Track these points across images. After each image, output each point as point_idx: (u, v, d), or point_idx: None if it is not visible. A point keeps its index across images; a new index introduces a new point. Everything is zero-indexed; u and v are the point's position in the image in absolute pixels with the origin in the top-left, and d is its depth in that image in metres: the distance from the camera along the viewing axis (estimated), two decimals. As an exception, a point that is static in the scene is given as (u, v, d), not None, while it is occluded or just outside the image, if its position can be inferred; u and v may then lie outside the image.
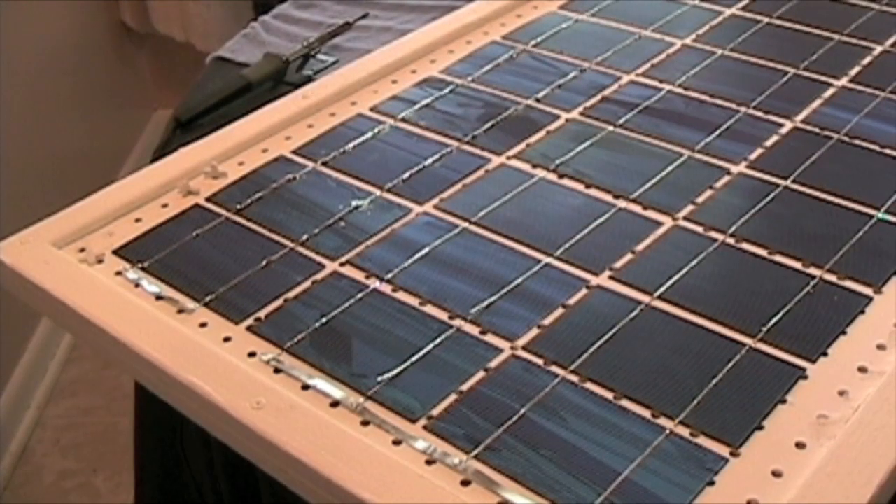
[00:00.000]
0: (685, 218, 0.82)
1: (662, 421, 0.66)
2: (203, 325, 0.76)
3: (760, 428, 0.65)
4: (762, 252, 0.78)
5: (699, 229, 0.81)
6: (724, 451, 0.64)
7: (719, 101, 0.96)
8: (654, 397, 0.67)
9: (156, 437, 1.15)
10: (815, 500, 0.60)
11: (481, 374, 0.70)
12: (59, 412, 1.97)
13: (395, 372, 0.70)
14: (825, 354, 0.70)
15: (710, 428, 0.65)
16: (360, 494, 0.62)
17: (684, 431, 0.65)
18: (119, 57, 2.53)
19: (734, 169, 0.87)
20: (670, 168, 0.88)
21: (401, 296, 0.77)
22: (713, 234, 0.80)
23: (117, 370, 1.96)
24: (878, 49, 1.03)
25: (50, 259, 0.83)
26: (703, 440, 0.64)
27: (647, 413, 0.66)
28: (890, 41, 1.04)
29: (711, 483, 0.62)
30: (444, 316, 0.74)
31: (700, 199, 0.84)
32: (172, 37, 2.49)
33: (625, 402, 0.67)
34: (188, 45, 2.44)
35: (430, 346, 0.72)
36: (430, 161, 0.91)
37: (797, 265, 0.77)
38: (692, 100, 0.97)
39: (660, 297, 0.75)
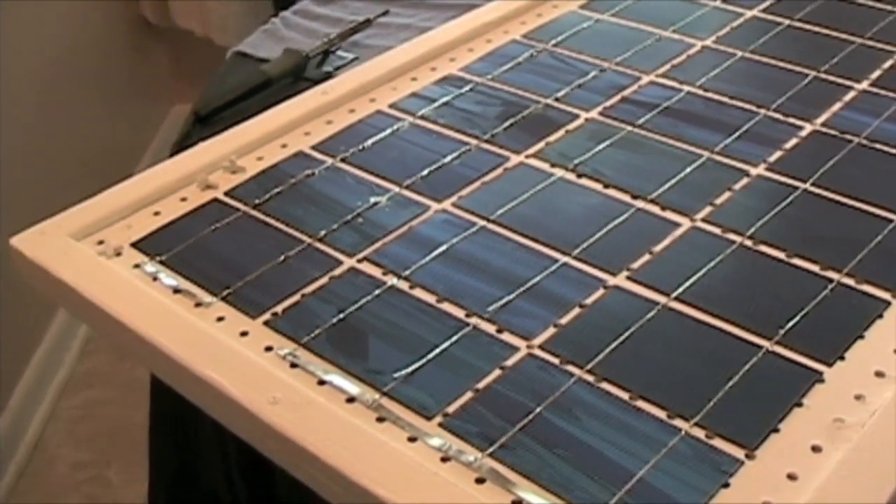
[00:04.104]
0: (703, 219, 0.82)
1: (678, 422, 0.65)
2: (220, 319, 0.76)
3: (776, 430, 0.65)
4: (780, 255, 0.78)
5: (717, 231, 0.81)
6: (739, 453, 0.63)
7: (739, 103, 0.96)
8: (669, 398, 0.67)
9: (170, 430, 1.15)
10: (830, 503, 0.60)
11: (497, 372, 0.70)
12: (74, 404, 1.98)
13: (411, 369, 0.70)
14: (842, 358, 0.69)
15: (725, 430, 0.65)
16: (375, 491, 0.62)
17: (699, 433, 0.65)
18: (138, 51, 2.54)
19: (753, 171, 0.87)
20: (689, 169, 0.88)
21: (418, 293, 0.77)
22: (731, 236, 0.80)
23: (132, 363, 1.97)
24: (900, 53, 1.03)
25: (68, 251, 0.83)
26: (718, 442, 0.64)
27: (662, 414, 0.66)
28: (911, 45, 1.04)
29: (726, 485, 0.62)
30: (460, 314, 0.74)
31: (718, 201, 0.84)
32: (191, 31, 2.49)
33: (640, 403, 0.67)
34: (207, 39, 2.45)
35: (447, 343, 0.72)
36: (448, 159, 0.91)
37: (815, 268, 0.77)
38: (712, 101, 0.97)
39: (677, 298, 0.75)
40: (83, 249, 0.84)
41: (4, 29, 1.89)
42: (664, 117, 0.95)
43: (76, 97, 2.19)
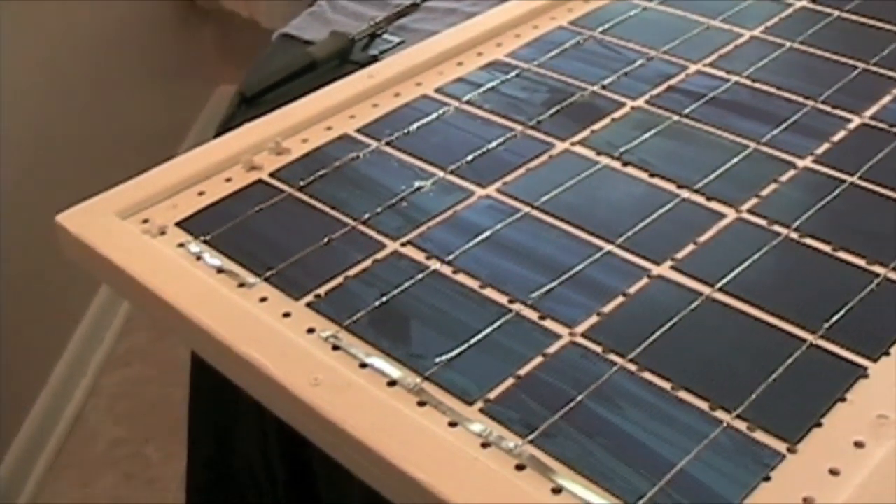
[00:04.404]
0: (749, 211, 0.81)
1: (719, 414, 0.65)
2: (263, 299, 0.76)
3: (819, 425, 0.64)
4: (826, 248, 0.77)
5: (763, 223, 0.80)
6: (780, 446, 0.63)
7: (786, 94, 0.95)
8: (711, 390, 0.67)
9: (209, 409, 1.16)
10: (872, 500, 0.59)
11: (539, 359, 0.69)
12: (114, 381, 1.99)
13: (453, 354, 0.70)
14: (887, 354, 0.69)
15: (767, 423, 0.64)
16: (415, 474, 0.62)
17: (741, 425, 0.64)
18: (184, 32, 2.54)
19: (800, 163, 0.86)
20: (735, 160, 0.87)
21: (461, 278, 0.77)
22: (777, 228, 0.79)
23: (172, 342, 1.98)
24: (951, 47, 1.01)
25: (113, 229, 0.84)
26: (759, 435, 0.64)
27: (704, 405, 0.66)
28: (963, 39, 1.02)
29: (767, 479, 0.61)
30: (503, 300, 0.74)
31: (764, 193, 0.83)
32: (237, 13, 2.50)
33: (682, 394, 0.67)
34: (252, 21, 2.45)
35: (489, 329, 0.72)
36: (493, 144, 0.91)
37: (861, 262, 0.76)
38: (759, 92, 0.96)
39: (721, 290, 0.74)
40: (128, 228, 0.84)
41: (53, 9, 1.90)
42: (711, 107, 0.94)
43: (123, 77, 2.20)
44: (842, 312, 0.72)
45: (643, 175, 0.86)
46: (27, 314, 1.82)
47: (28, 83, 1.83)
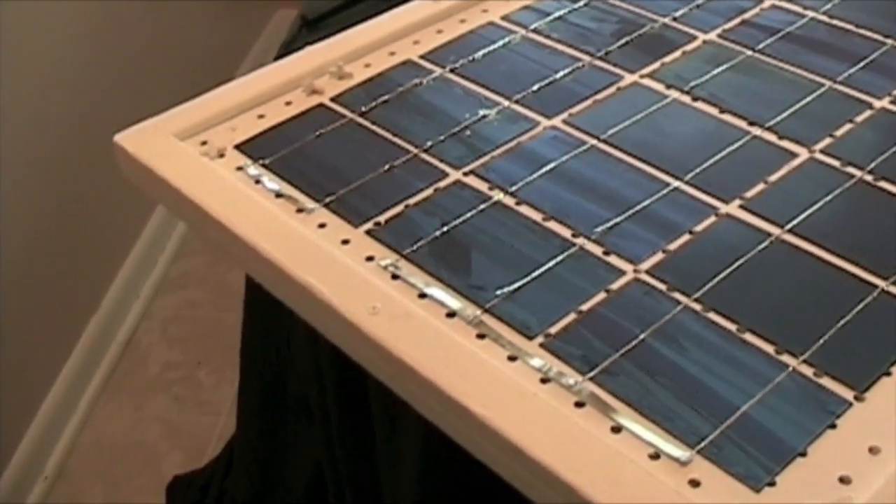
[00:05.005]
0: (822, 151, 0.80)
1: (786, 358, 0.64)
2: (322, 225, 0.76)
3: (888, 374, 0.63)
4: (901, 191, 0.76)
5: (836, 164, 0.78)
6: (847, 394, 0.62)
7: (865, 32, 0.93)
8: (778, 333, 0.65)
9: (262, 335, 1.16)
10: (943, 451, 0.58)
11: (602, 295, 0.68)
12: (167, 304, 2.00)
13: (514, 286, 0.69)
14: (962, 302, 0.67)
15: (834, 369, 0.63)
16: (472, 408, 0.61)
17: (808, 371, 0.63)
18: (244, -47, 2.53)
19: (877, 104, 0.84)
20: (809, 98, 0.85)
21: (524, 210, 0.76)
22: (850, 170, 0.78)
23: (226, 266, 1.99)
24: None
25: (171, 150, 0.84)
26: (826, 381, 0.63)
27: (770, 348, 0.65)
28: None
29: (833, 426, 0.60)
30: (567, 233, 0.73)
31: (839, 133, 0.81)
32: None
33: (748, 336, 0.65)
34: (314, -56, 2.43)
35: (552, 262, 0.71)
36: (560, 75, 0.89)
37: (938, 207, 0.74)
38: (836, 29, 0.93)
39: (790, 231, 0.73)
40: (186, 149, 0.84)
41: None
42: (786, 43, 0.92)
43: (181, -3, 2.19)
44: (916, 258, 0.70)
45: (713, 111, 0.84)
46: (81, 236, 1.83)
47: (86, 2, 1.82)
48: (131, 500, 1.67)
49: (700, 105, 0.85)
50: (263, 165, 0.82)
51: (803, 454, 0.59)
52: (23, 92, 1.63)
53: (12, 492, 1.62)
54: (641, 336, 0.66)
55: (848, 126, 0.82)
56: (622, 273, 0.70)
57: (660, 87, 0.87)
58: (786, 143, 0.81)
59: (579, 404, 0.62)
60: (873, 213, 0.74)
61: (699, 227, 0.73)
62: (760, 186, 0.77)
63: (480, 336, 0.66)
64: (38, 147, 1.68)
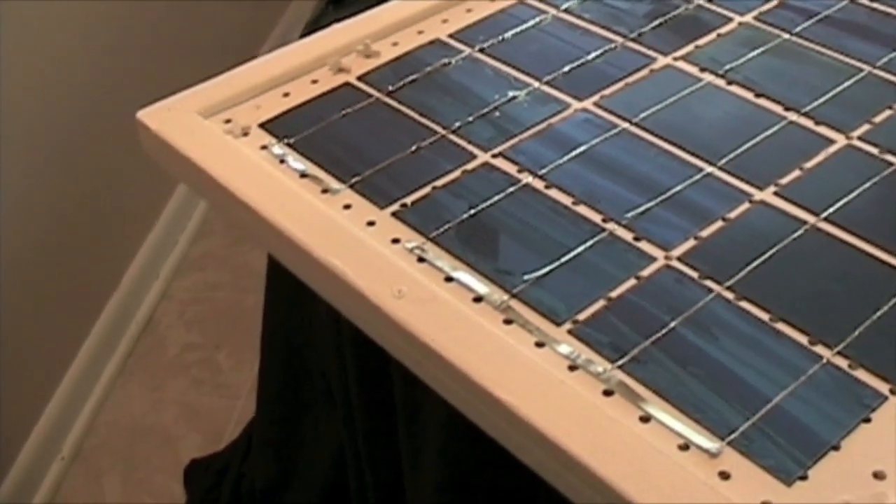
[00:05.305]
0: (860, 138, 0.79)
1: (819, 349, 0.64)
2: (347, 206, 0.75)
3: (925, 367, 0.62)
4: (941, 180, 0.75)
5: (874, 151, 0.78)
6: (883, 387, 0.61)
7: (906, 16, 0.92)
8: (812, 323, 0.65)
9: (284, 318, 1.16)
10: (980, 446, 0.58)
11: (632, 281, 0.68)
12: (186, 285, 2.00)
13: (542, 271, 0.69)
14: None
15: (870, 362, 0.63)
16: (498, 394, 0.61)
17: (842, 362, 0.63)
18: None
19: (917, 90, 0.84)
20: (847, 83, 0.84)
21: (553, 193, 0.75)
22: (888, 157, 0.77)
23: (247, 247, 1.99)
24: None
25: (195, 128, 0.84)
26: (861, 374, 0.62)
27: (803, 339, 0.64)
28: None
29: (867, 420, 0.60)
30: (597, 218, 0.73)
31: (877, 119, 0.81)
32: None
33: (781, 326, 0.65)
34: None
35: (581, 247, 0.71)
36: (592, 56, 0.89)
37: (979, 197, 0.74)
38: (876, 12, 0.93)
39: (826, 219, 0.72)
40: (210, 127, 0.84)
41: None
42: (824, 26, 0.91)
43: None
44: (955, 249, 0.70)
45: (748, 95, 0.84)
46: (102, 214, 1.84)
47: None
48: (148, 482, 1.68)
49: (735, 89, 0.85)
50: (288, 144, 0.82)
51: (836, 448, 0.58)
52: (45, 69, 1.63)
53: (29, 471, 1.63)
54: (672, 324, 0.65)
55: (887, 112, 0.81)
56: (653, 259, 0.70)
57: (693, 69, 0.87)
58: (822, 129, 0.80)
59: (608, 393, 0.62)
60: (912, 202, 0.74)
61: (732, 214, 0.73)
62: (796, 173, 0.76)
63: (507, 321, 0.66)
64: (60, 124, 1.69)
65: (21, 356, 1.62)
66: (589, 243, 0.71)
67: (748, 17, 0.93)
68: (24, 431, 1.65)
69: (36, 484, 1.65)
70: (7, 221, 1.56)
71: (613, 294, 0.67)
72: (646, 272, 0.69)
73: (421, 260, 0.71)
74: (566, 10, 0.95)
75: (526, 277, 0.69)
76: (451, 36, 0.93)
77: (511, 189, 0.76)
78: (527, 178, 0.77)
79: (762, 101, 0.83)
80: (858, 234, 0.71)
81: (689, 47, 0.89)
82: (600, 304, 0.67)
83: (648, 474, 0.57)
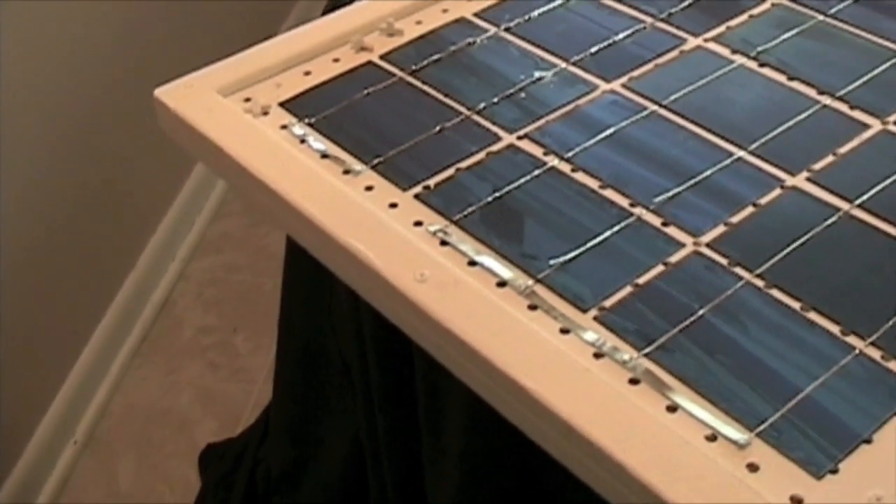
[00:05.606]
0: (896, 123, 0.79)
1: (852, 339, 0.63)
2: (369, 188, 0.75)
3: (961, 359, 0.62)
4: (979, 167, 0.75)
5: (911, 136, 0.77)
6: (917, 379, 0.61)
7: (945, -2, 0.91)
8: (844, 313, 0.65)
9: (302, 301, 1.16)
10: None
11: (660, 268, 0.68)
12: (204, 267, 2.01)
13: (568, 256, 0.69)
14: None
15: (904, 353, 0.62)
16: (521, 381, 0.61)
17: (875, 353, 0.63)
18: None
19: (956, 74, 0.83)
20: (884, 66, 0.84)
21: (580, 177, 0.75)
22: (926, 144, 0.77)
23: (265, 229, 1.99)
24: None
25: (214, 106, 0.84)
26: (895, 365, 0.62)
27: (835, 329, 0.64)
28: None
29: (901, 412, 0.60)
30: (624, 202, 0.73)
31: (915, 104, 0.80)
32: None
33: (812, 315, 0.65)
34: None
35: (608, 232, 0.71)
36: (621, 36, 0.89)
37: None
38: (914, -6, 0.92)
39: (860, 206, 0.72)
40: (229, 106, 0.84)
41: None
42: (860, 7, 0.90)
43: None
44: None
45: (781, 78, 0.83)
46: (119, 193, 1.84)
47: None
48: (162, 467, 1.69)
49: (767, 71, 0.84)
50: (309, 124, 0.82)
51: (868, 441, 0.58)
52: (61, 45, 1.64)
53: (41, 456, 1.64)
54: (700, 312, 0.65)
55: (925, 97, 0.81)
56: (681, 245, 0.70)
57: (725, 51, 0.87)
58: (857, 114, 0.80)
59: (634, 381, 0.62)
60: (949, 189, 0.73)
61: (763, 200, 0.73)
62: (829, 158, 0.76)
63: (532, 307, 0.66)
64: (76, 102, 1.69)
65: (35, 338, 1.63)
66: (616, 228, 0.71)
67: (782, -2, 0.93)
68: (37, 415, 1.65)
69: (48, 468, 1.66)
70: (22, 201, 1.56)
71: (641, 280, 0.67)
72: (674, 258, 0.69)
73: (444, 243, 0.71)
74: (594, -11, 0.94)
75: (551, 262, 0.69)
76: (476, 15, 0.92)
77: (537, 172, 0.76)
78: (553, 161, 0.76)
79: (795, 84, 0.83)
80: (893, 222, 0.71)
81: (721, 28, 0.89)
82: (627, 290, 0.67)
83: (675, 465, 0.57)
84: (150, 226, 1.96)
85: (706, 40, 0.88)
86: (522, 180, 0.75)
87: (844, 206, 0.72)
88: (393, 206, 0.74)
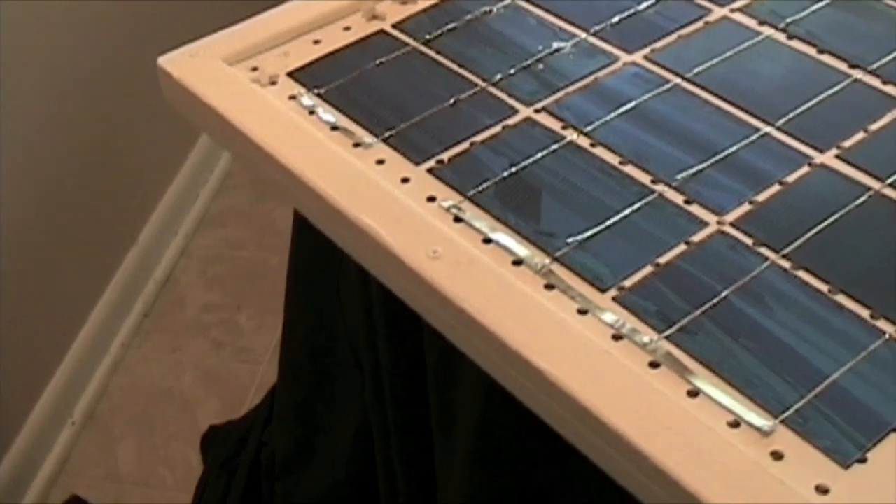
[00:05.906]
0: (930, 98, 0.78)
1: (881, 324, 0.63)
2: (380, 162, 0.75)
3: None
4: None
5: (945, 112, 0.77)
6: (949, 366, 0.61)
7: (982, -32, 0.91)
8: (874, 296, 0.64)
9: (309, 279, 1.16)
10: None
11: (682, 247, 0.68)
12: (207, 242, 2.01)
13: (586, 234, 0.69)
14: None
15: (935, 338, 0.62)
16: (537, 363, 0.61)
17: (906, 338, 0.62)
18: None
19: None
20: (918, 40, 0.83)
21: (599, 152, 0.75)
22: (960, 120, 0.76)
23: (271, 204, 1.99)
24: None
25: (220, 76, 0.84)
26: (926, 351, 0.62)
27: (864, 313, 0.64)
28: None
29: (932, 400, 0.59)
30: (645, 179, 0.72)
31: (950, 79, 0.80)
32: None
33: (840, 298, 0.65)
34: None
35: (628, 210, 0.70)
36: (643, 6, 0.88)
37: None
38: (950, -36, 0.92)
39: (892, 185, 0.71)
40: (236, 75, 0.84)
41: None
42: (893, -22, 0.90)
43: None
44: None
45: (810, 50, 0.83)
46: (120, 165, 1.84)
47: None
48: (164, 448, 1.69)
49: (796, 44, 0.84)
50: (318, 95, 0.81)
51: (898, 429, 0.58)
52: (65, 13, 1.63)
53: (37, 437, 1.64)
54: (724, 293, 0.65)
55: (959, 72, 0.80)
56: (705, 224, 0.69)
57: (752, 22, 0.86)
58: (890, 89, 0.79)
59: (654, 364, 0.61)
60: (985, 168, 0.73)
61: (791, 178, 0.72)
62: (860, 135, 0.75)
63: (549, 286, 0.66)
64: (77, 70, 1.69)
65: (32, 314, 1.63)
66: (637, 206, 0.71)
67: (812, -32, 0.92)
68: (33, 394, 1.66)
69: (44, 450, 1.66)
70: (22, 172, 1.56)
71: (662, 260, 0.67)
72: (697, 237, 0.68)
73: (458, 220, 0.70)
74: (616, -43, 0.94)
75: (569, 240, 0.68)
76: (493, -18, 0.92)
77: (554, 146, 0.75)
78: (571, 136, 0.76)
79: (825, 58, 0.82)
80: (926, 202, 0.70)
81: (748, -2, 0.89)
82: (648, 270, 0.66)
83: (696, 452, 0.57)
84: (152, 199, 1.96)
85: (732, 11, 0.88)
86: (539, 155, 0.75)
87: (875, 185, 0.72)
88: (405, 180, 0.74)
